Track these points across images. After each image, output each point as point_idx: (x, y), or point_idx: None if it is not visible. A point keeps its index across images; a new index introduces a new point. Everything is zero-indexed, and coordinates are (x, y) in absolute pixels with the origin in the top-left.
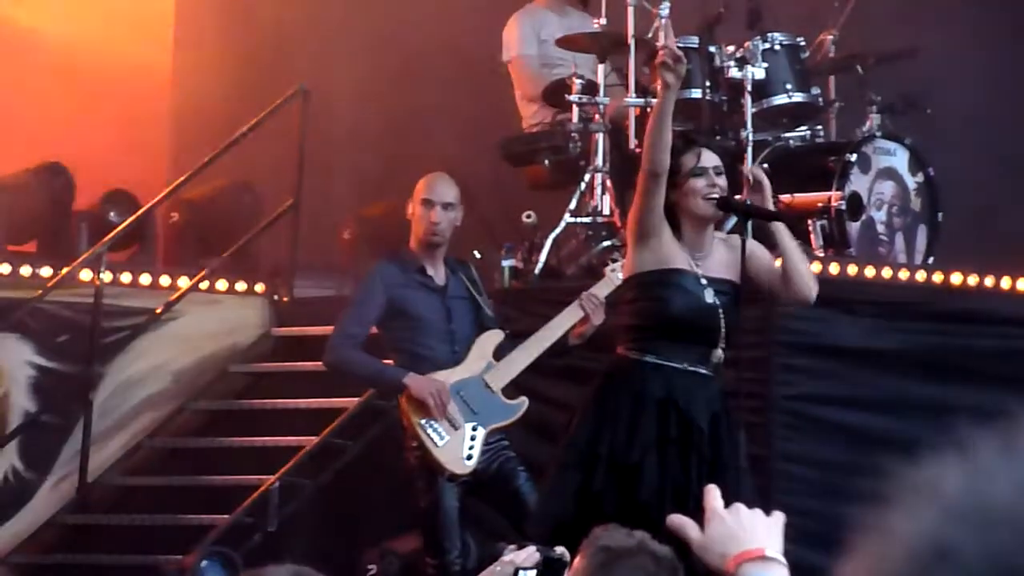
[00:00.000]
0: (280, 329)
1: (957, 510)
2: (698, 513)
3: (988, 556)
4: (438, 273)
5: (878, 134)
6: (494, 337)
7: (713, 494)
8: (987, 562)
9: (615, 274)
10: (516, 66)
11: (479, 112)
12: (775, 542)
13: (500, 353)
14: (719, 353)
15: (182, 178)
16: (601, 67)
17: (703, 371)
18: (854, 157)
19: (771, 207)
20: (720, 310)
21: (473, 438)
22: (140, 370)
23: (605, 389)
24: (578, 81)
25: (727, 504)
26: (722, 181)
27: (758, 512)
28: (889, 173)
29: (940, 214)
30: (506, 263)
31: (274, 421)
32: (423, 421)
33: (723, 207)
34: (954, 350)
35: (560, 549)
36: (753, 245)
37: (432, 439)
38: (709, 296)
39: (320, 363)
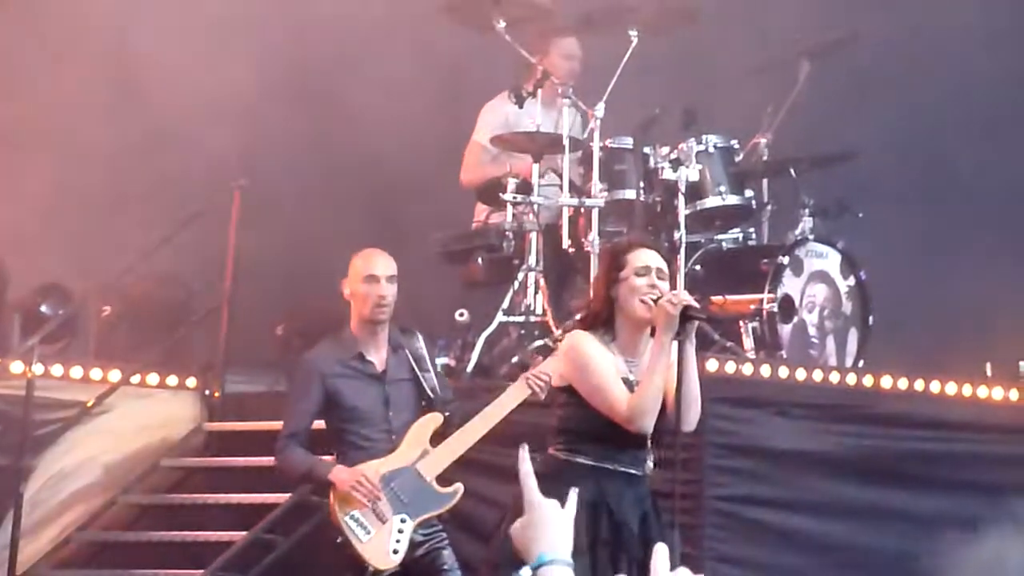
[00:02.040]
0: (212, 424)
1: None
2: None
3: None
4: (378, 357)
5: (811, 237)
6: (431, 423)
7: (659, 556)
8: None
9: None
10: (468, 149)
11: (414, 211)
12: None
13: (441, 437)
14: (650, 464)
15: (115, 273)
16: (536, 167)
17: (633, 471)
18: (786, 260)
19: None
20: None
21: (401, 531)
22: (71, 463)
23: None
24: (512, 180)
25: None
26: (664, 285)
27: None
28: (821, 276)
29: (871, 317)
30: (439, 360)
31: (205, 516)
32: (348, 516)
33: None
34: (885, 453)
35: None
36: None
37: (357, 534)
38: None
39: (251, 458)
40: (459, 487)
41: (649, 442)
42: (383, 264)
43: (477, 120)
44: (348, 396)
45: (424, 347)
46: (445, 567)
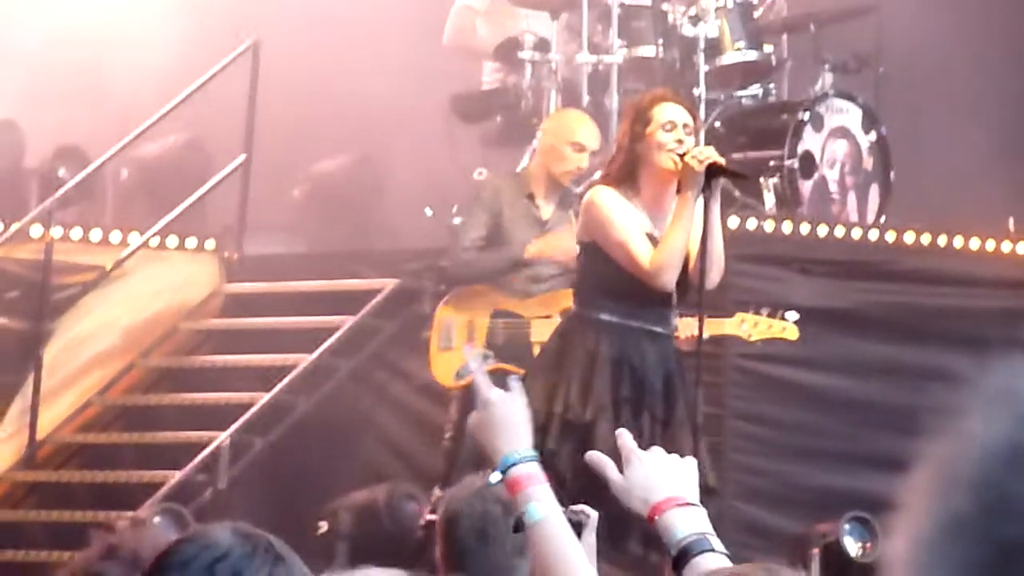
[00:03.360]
0: (230, 286)
1: None
2: None
3: None
4: (547, 205)
5: (831, 92)
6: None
7: (626, 437)
8: None
9: None
10: (454, 11)
11: (435, 68)
12: (692, 488)
13: None
14: (675, 322)
15: (131, 135)
16: (554, 24)
17: (658, 329)
18: (807, 116)
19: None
20: None
21: (476, 362)
22: (90, 327)
23: (559, 347)
24: (528, 37)
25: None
26: (690, 141)
27: (673, 457)
28: (842, 132)
29: (892, 173)
30: (457, 221)
31: (224, 378)
32: (447, 319)
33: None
34: (907, 309)
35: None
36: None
37: (438, 340)
38: None
39: (270, 319)
40: None
41: (674, 299)
42: (592, 136)
43: None
44: (507, 231)
45: None
46: None
